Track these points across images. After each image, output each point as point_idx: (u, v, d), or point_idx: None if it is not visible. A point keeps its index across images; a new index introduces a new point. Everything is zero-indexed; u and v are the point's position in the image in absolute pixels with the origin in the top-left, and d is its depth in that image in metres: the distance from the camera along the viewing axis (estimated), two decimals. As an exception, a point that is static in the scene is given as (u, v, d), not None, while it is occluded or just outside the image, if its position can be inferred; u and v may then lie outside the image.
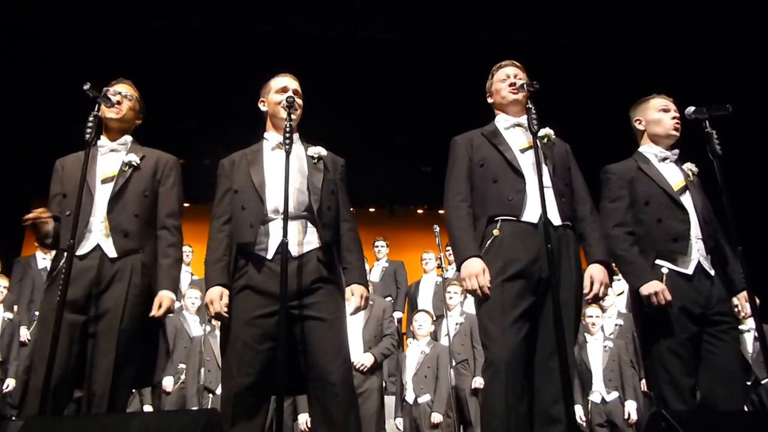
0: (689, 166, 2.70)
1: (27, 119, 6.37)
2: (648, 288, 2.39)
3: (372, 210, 8.41)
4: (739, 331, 4.76)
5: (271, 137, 2.47)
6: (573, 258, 2.34)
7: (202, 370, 4.75)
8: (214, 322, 4.61)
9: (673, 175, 2.63)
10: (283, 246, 2.08)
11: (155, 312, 2.35)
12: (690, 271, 2.46)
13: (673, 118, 2.68)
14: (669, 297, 2.36)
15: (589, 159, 3.46)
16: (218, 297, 2.22)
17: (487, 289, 2.24)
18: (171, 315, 5.32)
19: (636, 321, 2.61)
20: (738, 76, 5.75)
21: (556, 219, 2.31)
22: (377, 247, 6.49)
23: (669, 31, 5.91)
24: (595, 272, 2.33)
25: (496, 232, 2.32)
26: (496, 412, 2.14)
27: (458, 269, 2.35)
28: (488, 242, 2.32)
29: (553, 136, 2.51)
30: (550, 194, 2.31)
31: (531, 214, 2.32)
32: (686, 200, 2.56)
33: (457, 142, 2.55)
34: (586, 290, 2.34)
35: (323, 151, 2.48)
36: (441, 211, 2.61)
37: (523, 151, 2.44)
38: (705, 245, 2.52)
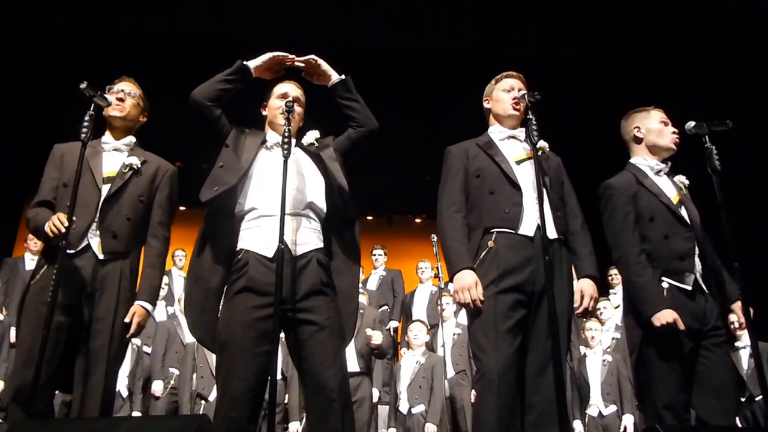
0: (681, 179, 2.69)
1: (21, 120, 6.33)
2: (661, 318, 2.31)
3: (370, 218, 8.40)
4: (734, 347, 4.78)
5: (269, 138, 2.45)
6: (566, 272, 2.34)
7: (194, 376, 4.70)
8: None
9: (669, 189, 2.60)
10: (280, 251, 2.06)
11: (132, 329, 2.40)
12: (689, 287, 2.44)
13: (673, 132, 2.67)
14: (682, 327, 2.30)
15: (583, 172, 3.45)
16: None
17: (480, 302, 2.23)
18: (163, 321, 5.31)
19: (630, 334, 2.54)
20: (737, 90, 5.78)
21: (551, 232, 2.30)
22: (375, 255, 6.46)
23: (666, 40, 5.92)
24: (585, 287, 2.34)
25: (491, 243, 2.31)
26: (488, 424, 2.12)
27: (451, 280, 2.34)
28: (483, 254, 2.31)
29: (548, 149, 2.50)
30: (546, 207, 2.31)
31: (527, 227, 2.32)
32: (685, 215, 2.54)
33: (451, 152, 2.53)
34: (576, 304, 2.33)
35: (317, 134, 2.49)
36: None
37: (518, 162, 2.44)
38: (702, 261, 2.51)
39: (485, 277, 2.27)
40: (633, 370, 2.50)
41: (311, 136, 2.48)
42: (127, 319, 2.38)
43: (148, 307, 2.45)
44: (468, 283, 2.25)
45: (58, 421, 2.29)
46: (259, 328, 2.12)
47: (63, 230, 2.19)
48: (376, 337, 4.45)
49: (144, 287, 2.47)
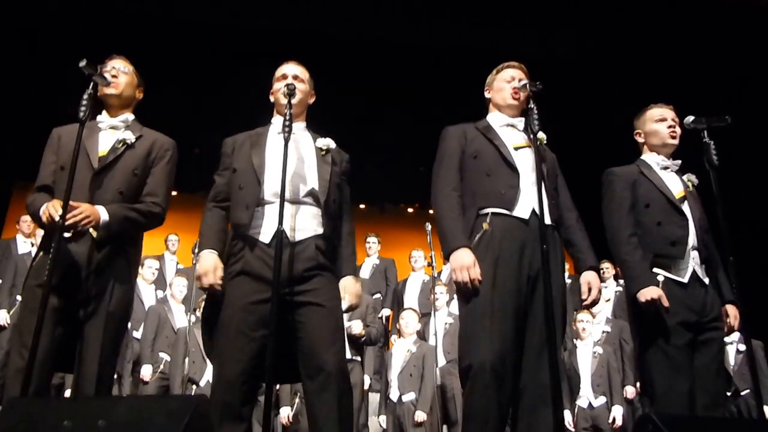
0: (690, 177, 2.73)
1: (12, 103, 6.25)
2: (646, 294, 2.39)
3: (363, 207, 8.39)
4: (724, 343, 4.85)
5: (277, 121, 2.44)
6: (559, 258, 2.35)
7: (186, 361, 4.69)
8: (198, 313, 4.57)
9: (674, 184, 2.65)
10: (279, 233, 2.05)
11: (74, 214, 2.20)
12: (685, 279, 2.48)
13: (670, 126, 2.68)
14: (666, 303, 2.38)
15: (584, 172, 3.46)
16: (212, 268, 2.18)
17: (478, 282, 2.20)
18: (154, 306, 5.27)
19: (632, 327, 2.61)
20: (738, 87, 5.81)
21: (546, 218, 2.28)
22: (368, 243, 6.44)
23: (670, 41, 5.94)
24: (591, 279, 2.35)
25: (485, 225, 2.28)
26: (479, 412, 2.12)
27: (446, 258, 2.29)
28: (478, 236, 2.28)
29: (545, 142, 2.49)
30: (543, 193, 2.31)
31: (522, 209, 2.30)
32: (685, 209, 2.59)
33: (449, 132, 2.51)
34: (584, 296, 2.34)
35: (332, 144, 2.45)
36: (432, 211, 2.55)
37: (516, 149, 2.42)
38: (700, 254, 2.54)
39: (481, 261, 2.23)
40: (635, 359, 2.54)
41: (325, 142, 2.45)
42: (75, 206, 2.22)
43: (104, 214, 2.29)
44: (466, 262, 2.21)
45: (54, 400, 2.28)
46: (256, 312, 2.11)
47: (57, 218, 2.17)
48: (356, 327, 4.45)
49: (115, 207, 2.34)
